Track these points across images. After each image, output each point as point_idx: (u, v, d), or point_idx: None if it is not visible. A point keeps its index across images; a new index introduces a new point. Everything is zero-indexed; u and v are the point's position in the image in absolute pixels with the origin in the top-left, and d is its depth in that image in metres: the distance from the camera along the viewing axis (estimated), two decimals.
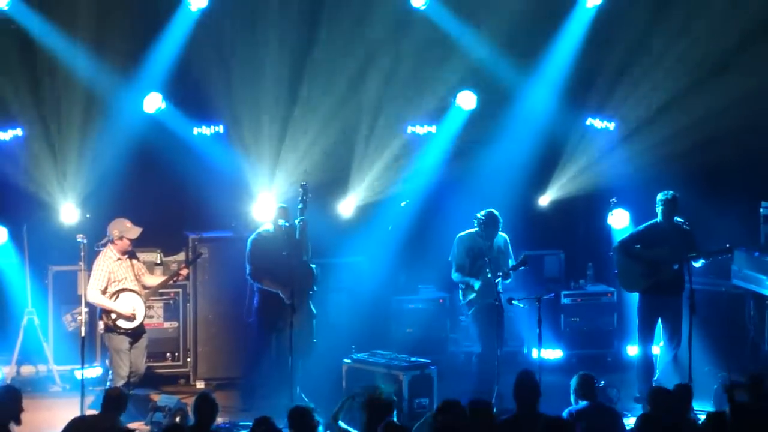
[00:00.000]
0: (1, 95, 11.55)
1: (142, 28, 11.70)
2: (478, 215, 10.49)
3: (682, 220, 10.57)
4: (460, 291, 10.68)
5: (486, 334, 10.41)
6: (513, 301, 10.36)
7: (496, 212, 10.48)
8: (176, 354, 11.66)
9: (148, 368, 10.62)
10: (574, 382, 8.26)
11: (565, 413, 7.99)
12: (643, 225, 10.72)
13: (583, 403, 8.10)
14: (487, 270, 10.31)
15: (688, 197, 10.79)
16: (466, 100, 12.52)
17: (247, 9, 11.99)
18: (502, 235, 10.64)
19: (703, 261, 10.49)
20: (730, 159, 12.13)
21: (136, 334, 10.14)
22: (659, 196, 10.53)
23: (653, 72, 12.42)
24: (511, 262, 10.59)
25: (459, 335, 12.22)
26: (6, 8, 11.27)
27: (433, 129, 12.67)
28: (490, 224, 10.45)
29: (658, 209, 10.53)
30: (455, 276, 10.65)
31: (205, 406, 7.77)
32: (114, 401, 8.00)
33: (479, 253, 10.47)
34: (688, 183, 11.38)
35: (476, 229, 10.53)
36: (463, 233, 10.65)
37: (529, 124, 12.48)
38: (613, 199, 11.40)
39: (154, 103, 11.78)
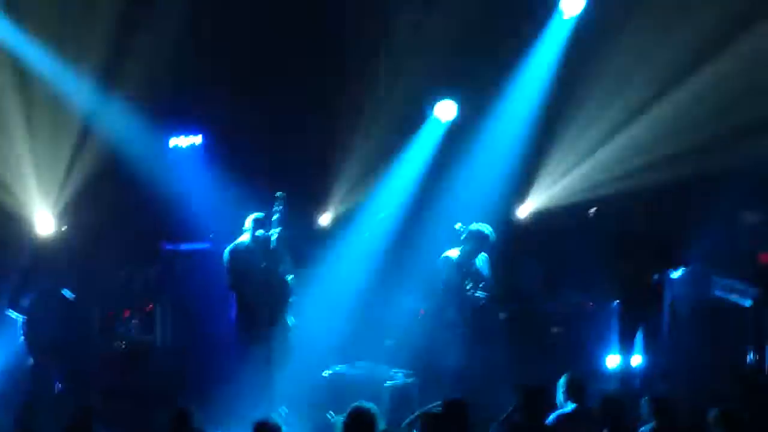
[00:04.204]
0: None
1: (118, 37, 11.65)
2: (457, 225, 10.48)
3: (660, 229, 10.56)
4: (450, 306, 10.63)
5: (469, 347, 10.37)
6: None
7: (482, 227, 10.45)
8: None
9: (122, 380, 10.50)
10: (562, 381, 8.18)
11: (552, 416, 7.92)
12: (618, 234, 10.69)
13: (571, 406, 8.03)
14: (470, 287, 10.29)
15: (667, 205, 10.79)
16: (445, 111, 12.47)
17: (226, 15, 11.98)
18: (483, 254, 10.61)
19: (682, 270, 10.49)
20: (712, 167, 12.12)
21: None
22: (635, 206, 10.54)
23: (632, 78, 12.40)
24: (487, 276, 10.55)
25: (440, 347, 12.13)
26: None
27: (411, 139, 12.65)
28: (473, 239, 10.41)
29: (635, 219, 10.53)
30: (440, 294, 10.60)
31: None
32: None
33: (463, 270, 10.43)
34: (666, 191, 11.39)
35: (462, 245, 10.50)
36: (447, 252, 10.59)
37: (509, 135, 12.46)
38: (592, 210, 11.37)
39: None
